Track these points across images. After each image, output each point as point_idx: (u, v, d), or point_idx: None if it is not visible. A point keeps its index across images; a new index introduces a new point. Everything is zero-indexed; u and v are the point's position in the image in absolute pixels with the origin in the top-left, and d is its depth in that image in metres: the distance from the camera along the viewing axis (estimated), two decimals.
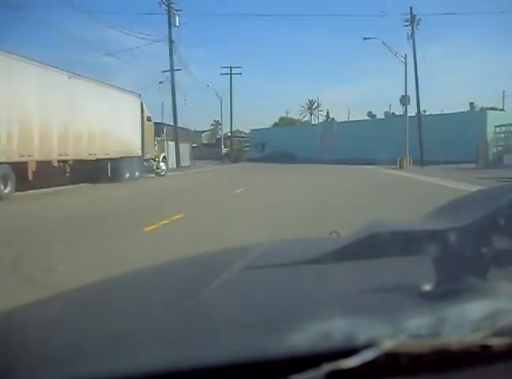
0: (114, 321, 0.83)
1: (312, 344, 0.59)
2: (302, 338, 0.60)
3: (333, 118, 71.60)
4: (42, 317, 0.90)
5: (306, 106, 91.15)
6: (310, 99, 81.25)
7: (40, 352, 0.69)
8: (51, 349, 0.70)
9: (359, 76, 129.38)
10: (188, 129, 71.90)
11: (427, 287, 0.81)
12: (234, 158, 55.79)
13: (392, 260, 1.00)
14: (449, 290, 0.76)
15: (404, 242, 1.00)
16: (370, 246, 1.00)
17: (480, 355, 0.58)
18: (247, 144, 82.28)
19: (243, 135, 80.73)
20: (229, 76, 61.65)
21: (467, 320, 0.62)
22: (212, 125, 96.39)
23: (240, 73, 57.52)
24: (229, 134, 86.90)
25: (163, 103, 57.18)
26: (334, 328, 0.61)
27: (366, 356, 0.56)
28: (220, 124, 70.73)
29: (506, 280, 0.79)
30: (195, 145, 57.15)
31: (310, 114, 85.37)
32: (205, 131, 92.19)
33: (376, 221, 1.11)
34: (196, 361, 0.58)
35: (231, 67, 58.81)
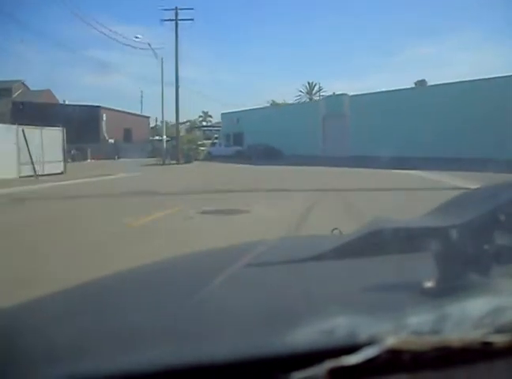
0: (117, 319, 0.87)
1: (314, 341, 0.63)
2: (304, 335, 0.64)
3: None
4: (44, 315, 0.94)
5: (304, 91, 77.06)
6: (310, 81, 71.62)
7: (43, 349, 0.73)
8: (54, 346, 0.74)
9: (360, 72, 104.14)
10: (147, 117, 63.39)
11: (429, 284, 0.83)
12: (185, 155, 42.46)
13: (394, 257, 1.09)
14: (450, 288, 0.80)
15: (405, 239, 1.08)
16: (372, 244, 1.08)
17: (481, 352, 0.62)
18: (216, 135, 63.87)
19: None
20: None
21: (468, 317, 0.66)
22: (201, 116, 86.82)
23: (192, 19, 43.01)
24: (204, 123, 76.46)
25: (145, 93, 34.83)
26: (336, 325, 0.65)
27: (368, 353, 0.59)
28: (210, 116, 41.30)
29: (507, 277, 0.83)
30: (164, 139, 44.48)
31: (310, 100, 72.68)
32: (183, 123, 75.35)
33: (378, 218, 1.19)
34: (199, 358, 0.63)
35: (176, 8, 42.29)
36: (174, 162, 39.40)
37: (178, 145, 41.73)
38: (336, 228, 1.62)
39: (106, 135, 61.86)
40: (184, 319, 0.83)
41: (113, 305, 0.97)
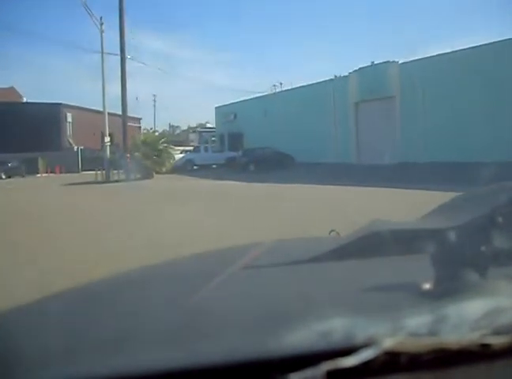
0: (114, 321, 0.93)
1: (311, 343, 0.68)
2: (301, 337, 0.69)
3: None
4: (42, 317, 1.01)
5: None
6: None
7: (40, 351, 0.81)
8: (51, 348, 0.82)
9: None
10: (137, 118, 53.17)
11: (426, 286, 0.90)
12: (140, 166, 29.03)
13: (391, 258, 1.15)
14: (448, 289, 0.86)
15: (403, 241, 1.13)
16: (369, 245, 1.14)
17: (479, 354, 0.66)
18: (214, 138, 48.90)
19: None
20: None
21: (466, 319, 0.70)
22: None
23: None
24: (199, 128, 59.56)
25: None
26: (334, 327, 0.69)
27: (365, 355, 0.62)
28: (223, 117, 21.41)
29: (505, 279, 0.89)
30: (107, 142, 31.54)
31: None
32: (195, 127, 62.48)
33: (376, 220, 1.26)
34: (195, 360, 0.67)
35: None
36: (122, 178, 28.34)
37: (126, 151, 30.64)
38: (333, 230, 1.67)
39: (71, 140, 49.04)
40: (180, 322, 0.88)
41: (108, 307, 1.03)
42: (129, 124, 41.69)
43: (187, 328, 0.83)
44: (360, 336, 0.63)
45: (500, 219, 1.01)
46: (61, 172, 41.06)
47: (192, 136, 59.99)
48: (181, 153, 40.10)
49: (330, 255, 1.15)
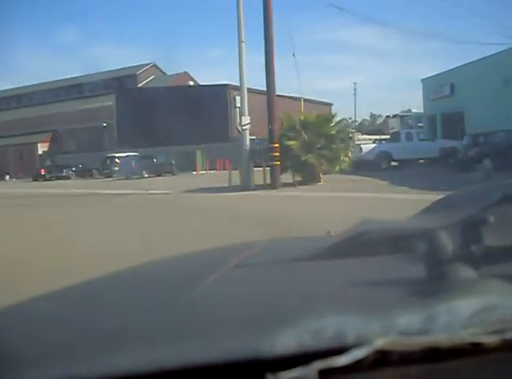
0: (109, 320, 1.00)
1: (303, 342, 0.70)
2: (293, 336, 0.72)
3: None
4: (36, 316, 1.07)
5: None
6: None
7: (36, 350, 0.84)
8: (47, 347, 0.86)
9: None
10: (327, 104, 45.96)
11: (418, 285, 0.96)
12: (295, 165, 18.66)
13: (382, 258, 1.18)
14: (439, 288, 0.91)
15: (394, 240, 1.17)
16: (360, 244, 1.17)
17: (471, 352, 0.70)
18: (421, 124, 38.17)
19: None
20: None
21: (457, 318, 0.73)
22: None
23: None
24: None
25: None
26: (325, 326, 0.72)
27: (356, 354, 0.65)
28: None
29: (496, 277, 0.93)
30: (245, 125, 20.05)
31: None
32: (405, 116, 43.29)
33: (366, 219, 1.29)
34: (187, 359, 0.71)
35: None
36: (268, 182, 19.17)
37: (272, 140, 19.19)
38: (327, 231, 1.83)
39: (240, 129, 38.78)
40: (174, 320, 0.93)
41: (104, 307, 1.08)
42: (313, 109, 31.99)
43: (180, 327, 0.86)
44: (352, 335, 0.66)
45: (491, 218, 1.02)
46: (224, 168, 35.81)
47: (391, 122, 49.26)
48: (373, 143, 29.30)
49: (321, 254, 1.16)
